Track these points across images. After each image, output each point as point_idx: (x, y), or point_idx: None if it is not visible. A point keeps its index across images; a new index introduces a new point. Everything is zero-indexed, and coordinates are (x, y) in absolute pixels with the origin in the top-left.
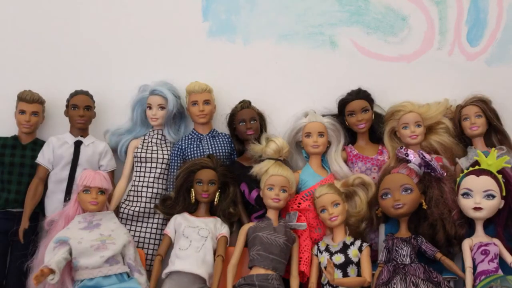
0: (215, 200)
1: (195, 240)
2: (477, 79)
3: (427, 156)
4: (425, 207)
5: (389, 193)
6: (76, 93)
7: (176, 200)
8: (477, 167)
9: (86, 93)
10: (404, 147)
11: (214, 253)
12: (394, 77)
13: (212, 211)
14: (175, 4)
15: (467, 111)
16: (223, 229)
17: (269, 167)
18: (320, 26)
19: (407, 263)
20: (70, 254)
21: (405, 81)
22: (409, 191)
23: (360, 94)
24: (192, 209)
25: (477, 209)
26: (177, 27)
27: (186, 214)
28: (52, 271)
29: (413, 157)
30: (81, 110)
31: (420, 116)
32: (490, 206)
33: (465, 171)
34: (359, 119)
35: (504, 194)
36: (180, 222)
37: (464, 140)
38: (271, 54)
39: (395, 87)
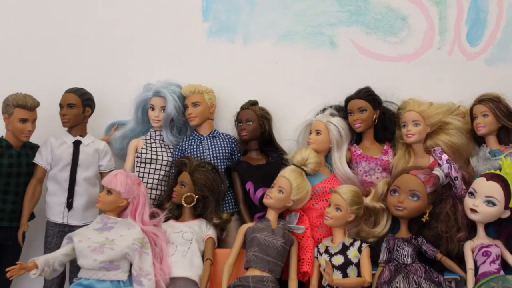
0: (190, 205)
1: (180, 244)
2: (477, 79)
3: (457, 174)
4: (425, 219)
5: (397, 191)
6: (65, 92)
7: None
8: (498, 171)
9: (72, 91)
10: (440, 149)
11: (203, 256)
12: (394, 77)
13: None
14: (175, 4)
15: (475, 110)
16: (209, 231)
17: (286, 170)
18: (319, 26)
19: (408, 263)
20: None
21: (405, 81)
22: (416, 198)
23: (360, 94)
24: (178, 215)
25: (473, 210)
26: (177, 27)
27: (171, 221)
28: (36, 266)
29: (445, 163)
30: (64, 108)
31: (419, 114)
32: (487, 212)
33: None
34: (354, 119)
35: (511, 206)
36: (165, 230)
37: (478, 139)
38: (271, 54)
39: (395, 87)
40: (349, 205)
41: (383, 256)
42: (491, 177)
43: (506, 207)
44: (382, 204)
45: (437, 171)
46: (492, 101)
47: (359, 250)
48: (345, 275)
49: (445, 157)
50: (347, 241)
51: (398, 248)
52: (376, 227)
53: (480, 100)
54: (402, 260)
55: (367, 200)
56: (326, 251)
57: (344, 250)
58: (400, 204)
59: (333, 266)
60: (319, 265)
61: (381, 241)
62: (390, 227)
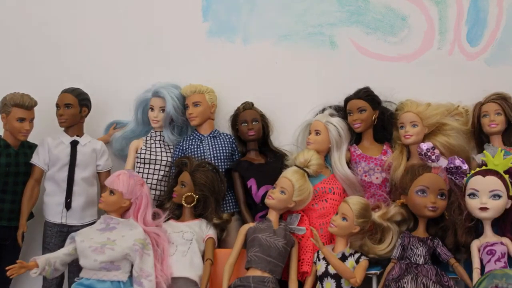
0: (190, 205)
1: (180, 244)
2: (477, 79)
3: (465, 166)
4: (447, 216)
5: (426, 192)
6: (62, 92)
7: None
8: (484, 167)
9: (68, 91)
10: (433, 145)
11: (203, 256)
12: (393, 77)
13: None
14: (175, 4)
15: (487, 108)
16: (209, 231)
17: (288, 171)
18: (319, 26)
19: (420, 263)
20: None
21: (405, 81)
22: (444, 197)
23: (360, 94)
24: (178, 215)
25: (483, 209)
26: (177, 27)
27: (171, 221)
28: (37, 265)
29: (436, 158)
30: (61, 108)
31: (417, 115)
32: (496, 206)
33: (472, 172)
34: (354, 119)
35: (511, 194)
36: (166, 230)
37: (481, 138)
38: (271, 54)
39: (395, 87)
40: (356, 217)
41: (396, 252)
42: (485, 173)
43: (508, 197)
44: (389, 224)
45: (435, 165)
46: (505, 100)
47: (357, 261)
48: (338, 284)
49: (437, 152)
50: (348, 252)
51: (412, 247)
52: (380, 244)
53: (493, 99)
54: (414, 259)
55: (375, 216)
56: (325, 258)
57: (342, 260)
58: (434, 205)
59: (329, 274)
60: (316, 271)
61: (381, 260)
62: (392, 248)
